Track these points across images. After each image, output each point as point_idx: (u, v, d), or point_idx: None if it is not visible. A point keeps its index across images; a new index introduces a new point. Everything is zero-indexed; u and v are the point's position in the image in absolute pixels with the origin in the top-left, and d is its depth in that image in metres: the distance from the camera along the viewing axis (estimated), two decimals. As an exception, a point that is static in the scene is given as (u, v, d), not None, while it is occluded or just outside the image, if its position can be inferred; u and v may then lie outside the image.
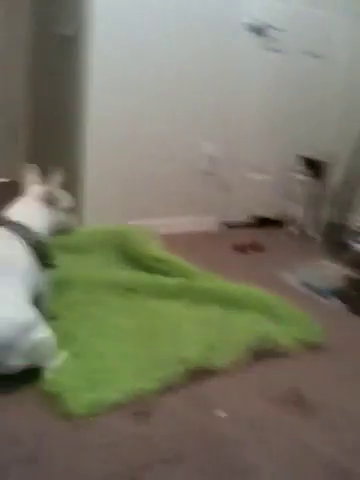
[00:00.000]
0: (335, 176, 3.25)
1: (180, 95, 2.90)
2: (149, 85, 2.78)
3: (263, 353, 1.70)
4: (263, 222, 3.33)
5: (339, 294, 2.25)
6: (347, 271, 2.45)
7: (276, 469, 1.25)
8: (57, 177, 1.70)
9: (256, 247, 2.84)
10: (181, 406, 1.45)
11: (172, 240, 2.49)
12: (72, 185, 2.40)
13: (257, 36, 3.03)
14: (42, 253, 1.60)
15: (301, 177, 3.12)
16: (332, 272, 2.47)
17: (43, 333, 1.45)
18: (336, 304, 2.21)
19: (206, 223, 3.14)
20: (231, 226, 3.24)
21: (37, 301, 1.57)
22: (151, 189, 2.92)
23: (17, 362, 1.39)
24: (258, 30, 2.99)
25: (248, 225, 3.29)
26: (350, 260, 2.59)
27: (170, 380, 1.50)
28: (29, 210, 1.67)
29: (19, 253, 1.55)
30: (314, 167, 3.07)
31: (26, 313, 1.43)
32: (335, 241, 2.77)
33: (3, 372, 1.39)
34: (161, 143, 2.88)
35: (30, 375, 1.44)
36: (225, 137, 3.08)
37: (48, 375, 1.45)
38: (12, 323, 1.37)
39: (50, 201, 1.69)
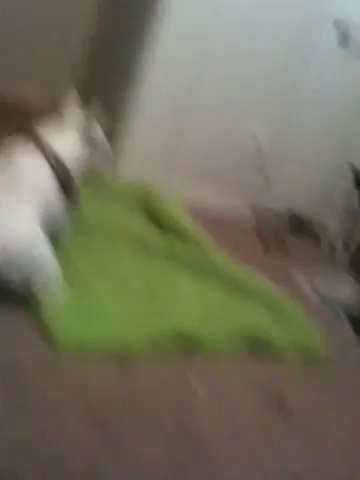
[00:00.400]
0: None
1: (247, 77, 2.82)
2: (218, 57, 2.71)
3: (256, 346, 1.69)
4: (295, 221, 3.27)
5: (349, 312, 2.20)
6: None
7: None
8: (98, 115, 1.60)
9: (281, 247, 2.77)
10: (164, 369, 1.45)
11: (198, 216, 2.45)
12: (115, 135, 2.39)
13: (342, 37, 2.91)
14: (67, 186, 1.53)
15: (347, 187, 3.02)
16: (351, 291, 2.42)
17: (44, 253, 1.41)
18: (342, 321, 2.17)
19: (239, 207, 3.09)
20: (263, 216, 3.18)
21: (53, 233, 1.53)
22: (193, 162, 2.87)
23: (13, 276, 1.36)
24: (345, 31, 2.87)
25: (278, 219, 3.24)
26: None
27: (158, 341, 1.51)
28: (63, 138, 1.57)
29: (40, 177, 1.49)
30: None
31: (28, 229, 1.39)
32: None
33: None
34: (216, 119, 2.83)
35: (26, 304, 1.44)
36: (280, 128, 3.01)
37: (44, 305, 1.44)
38: (12, 234, 1.34)
39: (87, 137, 1.61)
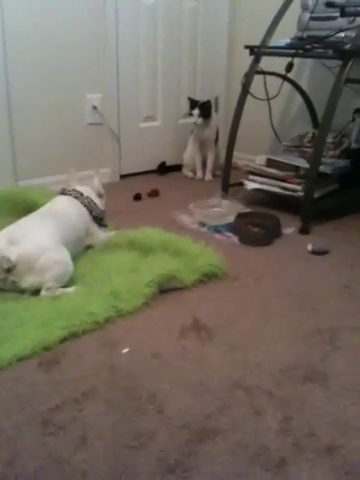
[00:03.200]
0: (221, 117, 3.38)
1: (62, 47, 2.82)
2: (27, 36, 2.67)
3: (167, 291, 1.81)
4: (164, 170, 3.41)
5: (232, 229, 2.38)
6: (239, 207, 2.59)
7: (180, 392, 1.35)
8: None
9: (151, 193, 2.91)
10: (87, 350, 1.51)
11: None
12: None
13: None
14: (98, 216, 2.16)
15: (192, 119, 3.17)
16: (225, 210, 2.60)
17: (58, 259, 1.78)
18: (230, 238, 2.34)
19: (102, 176, 3.14)
20: (127, 176, 3.28)
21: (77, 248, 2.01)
22: (39, 146, 2.86)
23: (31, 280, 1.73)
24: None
25: (148, 173, 3.36)
26: (242, 197, 2.74)
27: (75, 329, 1.56)
28: (89, 191, 2.21)
29: (69, 211, 2.05)
30: (202, 108, 3.14)
31: (45, 239, 1.80)
32: (228, 181, 2.89)
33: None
34: (44, 98, 2.81)
35: None
36: (110, 87, 3.06)
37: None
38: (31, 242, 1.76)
39: (98, 192, 2.27)
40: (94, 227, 2.14)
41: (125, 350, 1.51)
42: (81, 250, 2.06)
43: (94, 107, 3.02)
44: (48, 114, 2.86)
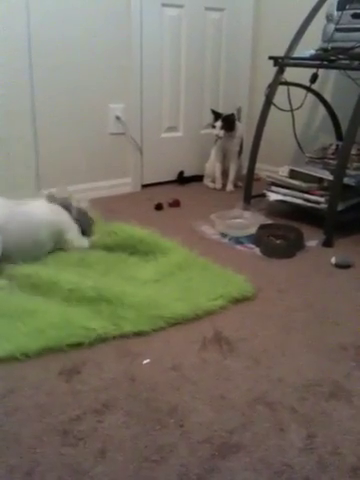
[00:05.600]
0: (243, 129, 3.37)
1: (87, 56, 2.85)
2: (52, 48, 2.71)
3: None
4: (184, 180, 3.41)
5: (254, 240, 2.36)
6: (261, 218, 2.57)
7: (201, 406, 1.33)
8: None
9: (172, 203, 2.91)
10: (107, 360, 1.50)
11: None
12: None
13: None
14: (85, 222, 2.28)
15: (214, 131, 3.17)
16: (247, 221, 2.58)
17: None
18: (252, 250, 2.32)
19: (123, 186, 3.16)
20: (148, 186, 3.29)
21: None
22: (62, 155, 2.88)
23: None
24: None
25: (168, 183, 3.36)
26: (264, 208, 2.72)
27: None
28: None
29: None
30: (225, 121, 3.13)
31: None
32: (250, 192, 2.88)
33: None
34: (67, 107, 2.84)
35: None
36: (133, 97, 3.08)
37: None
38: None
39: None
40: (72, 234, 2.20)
41: (146, 361, 1.50)
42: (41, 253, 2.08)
43: (117, 117, 3.04)
44: (71, 123, 2.88)
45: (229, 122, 3.15)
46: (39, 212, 2.11)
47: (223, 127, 3.14)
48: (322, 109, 3.08)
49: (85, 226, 2.27)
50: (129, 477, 1.10)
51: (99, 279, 1.85)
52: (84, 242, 2.23)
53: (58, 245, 2.16)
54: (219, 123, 3.13)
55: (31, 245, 2.03)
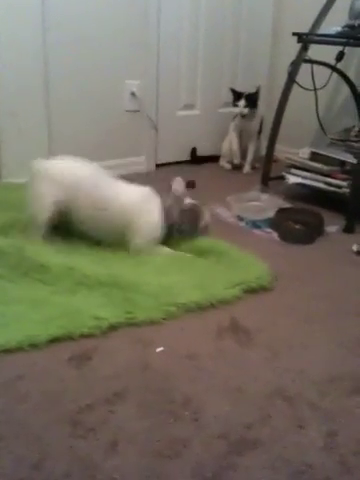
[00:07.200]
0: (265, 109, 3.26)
1: (103, 31, 2.74)
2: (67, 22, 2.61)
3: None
4: (199, 159, 3.31)
5: (272, 224, 2.28)
6: (279, 202, 2.49)
7: (217, 398, 1.27)
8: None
9: (187, 184, 2.80)
10: (120, 347, 1.44)
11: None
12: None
13: None
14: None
15: (236, 110, 3.07)
16: (265, 204, 2.50)
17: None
18: (270, 234, 2.24)
19: (137, 164, 3.08)
20: (162, 165, 3.20)
21: None
22: (76, 131, 2.80)
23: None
24: None
25: (182, 163, 3.27)
26: (282, 192, 2.63)
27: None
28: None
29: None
30: (249, 98, 3.03)
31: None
32: (268, 174, 2.79)
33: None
34: (81, 82, 2.75)
35: None
36: (149, 73, 2.98)
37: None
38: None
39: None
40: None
41: (159, 349, 1.44)
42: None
43: (132, 93, 2.94)
44: (85, 98, 2.79)
45: (253, 100, 3.04)
46: (123, 191, 1.99)
47: (247, 105, 3.03)
48: (345, 89, 2.96)
49: (183, 233, 1.99)
50: (141, 473, 1.05)
51: (112, 265, 1.78)
52: (154, 250, 1.93)
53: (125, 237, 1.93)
54: (243, 101, 3.03)
55: (99, 220, 1.91)
